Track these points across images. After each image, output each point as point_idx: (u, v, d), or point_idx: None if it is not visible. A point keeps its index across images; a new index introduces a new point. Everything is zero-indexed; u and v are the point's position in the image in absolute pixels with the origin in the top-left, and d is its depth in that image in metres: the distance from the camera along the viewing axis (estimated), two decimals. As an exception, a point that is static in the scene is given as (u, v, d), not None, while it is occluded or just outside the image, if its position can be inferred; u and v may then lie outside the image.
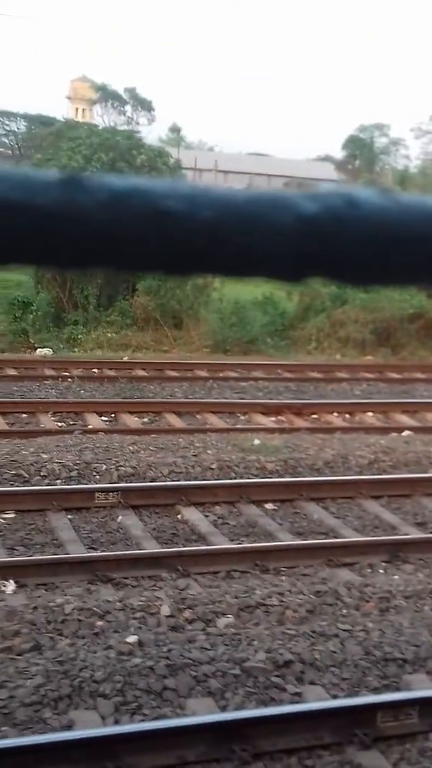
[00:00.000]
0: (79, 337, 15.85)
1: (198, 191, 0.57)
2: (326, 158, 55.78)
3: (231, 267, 0.58)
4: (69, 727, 4.11)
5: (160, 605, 5.38)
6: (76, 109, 60.14)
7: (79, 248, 0.55)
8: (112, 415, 10.91)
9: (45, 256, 0.55)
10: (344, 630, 5.05)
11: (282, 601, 5.50)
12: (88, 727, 4.09)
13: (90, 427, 10.12)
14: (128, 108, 55.01)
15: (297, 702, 4.38)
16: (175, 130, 54.52)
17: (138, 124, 50.97)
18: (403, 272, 0.62)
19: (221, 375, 13.69)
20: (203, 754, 3.94)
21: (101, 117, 53.81)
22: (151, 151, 18.72)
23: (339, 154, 55.77)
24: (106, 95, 54.01)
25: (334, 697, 4.46)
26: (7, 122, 60.27)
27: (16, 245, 0.54)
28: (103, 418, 10.75)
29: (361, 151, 53.00)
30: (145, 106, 54.42)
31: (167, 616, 5.26)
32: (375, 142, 53.86)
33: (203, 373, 13.69)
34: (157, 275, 0.63)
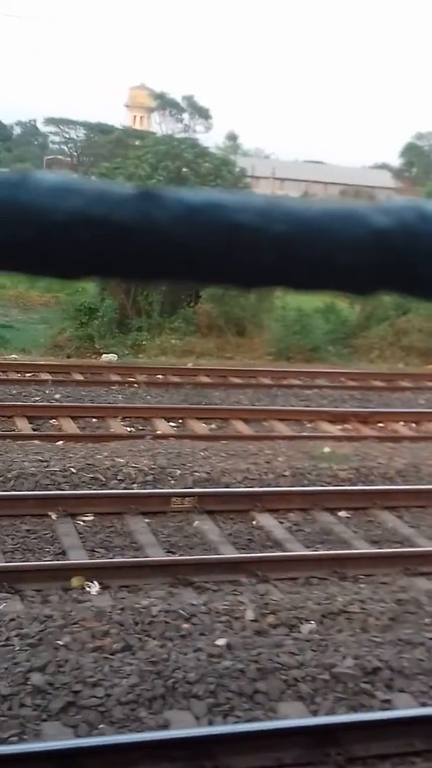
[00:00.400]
0: (143, 343, 16.05)
1: (271, 204, 0.57)
2: (383, 166, 55.53)
3: (303, 281, 0.58)
4: (165, 726, 4.21)
5: (244, 610, 5.46)
6: (134, 116, 60.88)
7: (155, 262, 0.55)
8: (180, 421, 11.03)
9: (122, 270, 0.56)
10: (430, 638, 5.08)
11: (364, 609, 5.55)
12: (184, 726, 4.19)
13: (159, 432, 10.26)
14: (185, 116, 55.52)
15: (387, 709, 4.43)
16: (232, 137, 54.83)
17: (195, 131, 51.38)
18: None
19: (285, 382, 13.74)
20: (298, 757, 4.01)
21: (159, 125, 54.37)
22: (216, 160, 18.88)
23: (396, 161, 55.50)
24: (165, 103, 54.57)
25: (423, 704, 4.50)
26: (67, 130, 61.28)
27: (94, 259, 0.55)
28: (171, 423, 10.88)
29: (419, 159, 52.70)
30: (203, 113, 54.83)
31: (251, 621, 5.34)
32: (433, 150, 53.51)
33: (267, 381, 13.76)
34: (231, 289, 0.60)
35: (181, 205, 0.55)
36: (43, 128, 64.02)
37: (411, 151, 53.58)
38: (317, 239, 0.56)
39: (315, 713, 4.39)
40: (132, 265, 0.55)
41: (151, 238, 0.54)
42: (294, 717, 4.33)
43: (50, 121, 61.04)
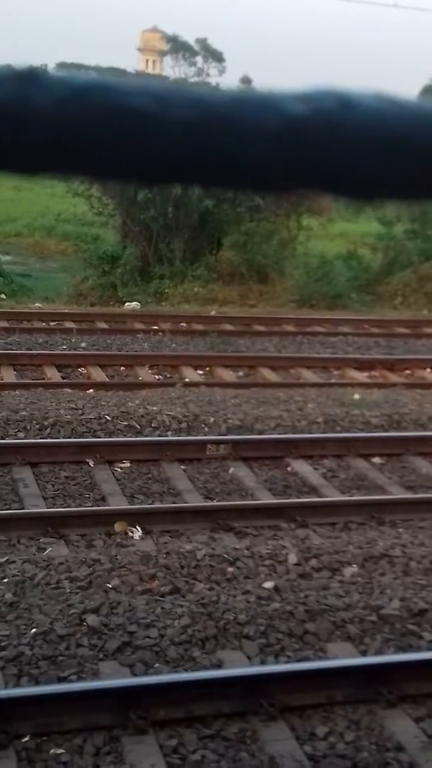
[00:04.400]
0: (166, 291, 16.02)
1: (171, 89, 0.51)
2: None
3: (211, 176, 0.53)
4: (218, 665, 4.32)
5: (287, 554, 5.54)
6: (147, 60, 59.92)
7: (34, 150, 0.50)
8: (207, 369, 11.07)
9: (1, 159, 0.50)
10: (474, 581, 5.16)
11: (404, 552, 5.62)
12: (238, 666, 4.29)
13: (188, 380, 10.30)
14: (199, 59, 54.56)
15: (435, 649, 4.52)
16: (246, 81, 53.87)
17: (209, 75, 50.53)
18: (401, 184, 0.55)
19: (309, 330, 13.73)
20: (351, 696, 4.11)
21: (172, 68, 53.51)
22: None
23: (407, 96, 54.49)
24: (177, 46, 53.55)
25: (470, 645, 4.58)
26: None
27: None
28: (199, 371, 10.92)
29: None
30: (216, 57, 53.82)
31: (295, 564, 5.43)
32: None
33: (291, 328, 13.75)
34: (125, 183, 0.56)
35: (65, 87, 0.49)
36: (54, 73, 63.06)
37: (429, 94, 52.70)
38: (224, 128, 0.50)
39: (364, 653, 4.49)
40: (7, 154, 0.49)
41: (29, 124, 0.48)
42: (343, 657, 4.43)
43: (62, 65, 60.15)
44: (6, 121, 0.48)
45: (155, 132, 0.50)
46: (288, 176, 0.53)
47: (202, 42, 53.30)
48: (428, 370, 11.50)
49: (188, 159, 0.51)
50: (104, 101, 0.49)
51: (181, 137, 0.50)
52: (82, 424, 7.95)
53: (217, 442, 7.59)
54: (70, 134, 0.49)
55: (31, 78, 0.49)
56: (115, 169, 0.52)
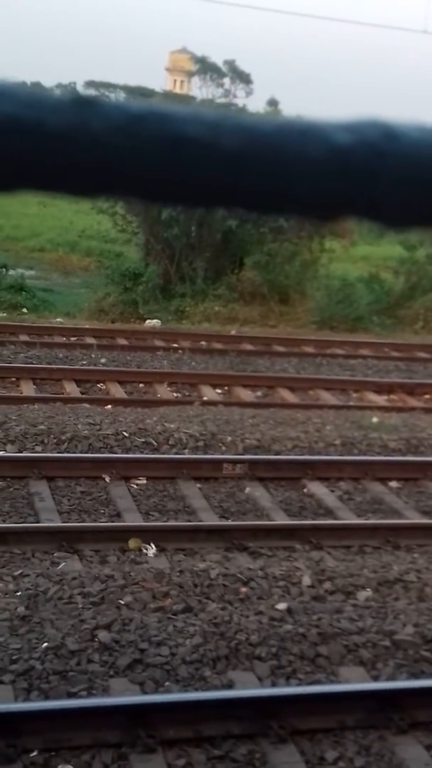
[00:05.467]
0: (187, 309, 16.07)
1: (221, 117, 0.52)
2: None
3: (257, 202, 0.53)
4: (229, 686, 4.29)
5: (301, 575, 5.52)
6: (174, 80, 60.34)
7: (90, 174, 0.51)
8: (226, 388, 11.08)
9: (53, 181, 0.51)
10: None
11: (420, 578, 5.59)
12: (249, 687, 4.26)
13: (206, 398, 10.31)
14: (226, 80, 54.90)
15: (448, 676, 4.47)
16: (272, 103, 54.13)
17: (236, 97, 50.85)
18: None
19: (329, 352, 13.72)
20: (361, 721, 4.07)
21: (199, 89, 53.90)
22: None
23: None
24: (205, 67, 53.96)
25: None
26: (107, 93, 61.02)
27: (22, 169, 0.50)
28: (218, 390, 10.93)
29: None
30: (243, 78, 54.16)
31: (308, 587, 5.40)
32: None
33: (311, 350, 13.74)
34: (175, 207, 0.56)
35: (121, 114, 0.50)
36: (83, 91, 63.82)
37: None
38: (271, 156, 0.51)
39: (376, 678, 4.45)
40: (64, 178, 0.51)
41: (86, 149, 0.50)
42: (355, 681, 4.40)
43: (90, 84, 60.65)
44: (64, 145, 0.50)
45: (206, 159, 0.51)
46: (332, 205, 0.54)
47: (230, 63, 53.71)
48: (448, 395, 11.44)
49: (236, 185, 0.52)
50: (158, 128, 0.51)
51: (231, 164, 0.51)
52: (100, 440, 7.97)
53: (234, 462, 7.59)
54: (125, 159, 0.50)
55: (89, 104, 0.51)
56: (162, 193, 0.53)
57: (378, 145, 0.53)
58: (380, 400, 10.98)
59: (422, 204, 0.54)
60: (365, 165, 0.53)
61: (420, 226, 0.57)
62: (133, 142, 0.50)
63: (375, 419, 9.34)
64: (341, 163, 0.52)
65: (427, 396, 11.37)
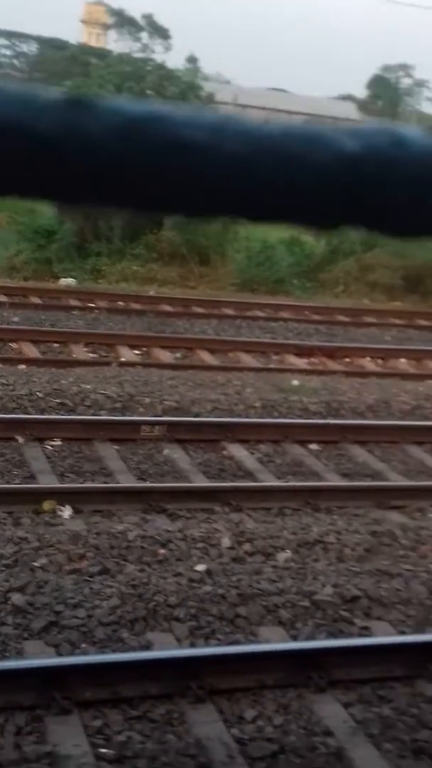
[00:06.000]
0: (103, 268, 15.80)
1: (224, 121, 0.50)
2: (348, 97, 54.74)
3: (259, 210, 0.52)
4: (147, 647, 4.21)
5: (220, 537, 5.46)
6: (90, 33, 58.91)
7: (85, 181, 0.48)
8: (144, 349, 10.93)
9: (45, 188, 0.48)
10: (406, 570, 5.15)
11: (339, 539, 5.59)
12: (168, 648, 4.19)
13: (124, 359, 10.15)
14: (144, 35, 53.84)
15: (366, 635, 4.49)
16: (192, 60, 53.44)
17: (153, 52, 49.98)
18: None
19: (249, 314, 13.68)
20: (281, 680, 4.04)
21: (115, 43, 52.76)
22: (181, 84, 18.44)
23: (361, 93, 54.80)
24: (122, 21, 52.92)
25: (401, 632, 4.57)
26: (19, 44, 58.94)
27: (12, 174, 0.47)
28: (136, 351, 10.78)
29: (385, 92, 52.08)
30: (162, 33, 53.24)
31: (228, 548, 5.35)
32: (399, 83, 52.90)
33: (231, 312, 13.68)
34: (174, 215, 0.52)
35: (118, 116, 0.48)
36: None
37: (377, 83, 52.89)
38: (277, 162, 0.50)
39: (295, 638, 4.43)
40: (57, 183, 0.48)
41: (80, 153, 0.47)
42: (274, 641, 4.37)
43: (0, 33, 58.85)
44: (56, 149, 0.46)
45: (207, 165, 0.49)
46: (339, 214, 0.52)
47: (148, 18, 52.84)
48: (368, 358, 11.54)
49: (239, 193, 0.50)
50: (158, 133, 0.48)
51: (233, 171, 0.49)
52: (13, 400, 7.76)
53: (152, 423, 7.47)
54: (123, 164, 0.48)
55: (83, 105, 0.48)
56: (161, 201, 0.50)
57: (387, 153, 0.51)
58: (301, 363, 10.99)
59: (430, 212, 0.53)
60: (373, 173, 0.51)
61: (427, 234, 0.55)
62: (131, 147, 0.47)
63: (295, 382, 9.34)
64: (349, 170, 0.51)
65: (347, 359, 11.44)
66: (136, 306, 13.27)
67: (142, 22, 52.06)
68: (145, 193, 0.49)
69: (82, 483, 6.45)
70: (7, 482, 6.31)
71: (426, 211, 0.53)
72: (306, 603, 4.67)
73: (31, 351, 10.19)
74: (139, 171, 0.48)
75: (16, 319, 11.76)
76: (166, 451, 7.21)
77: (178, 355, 10.91)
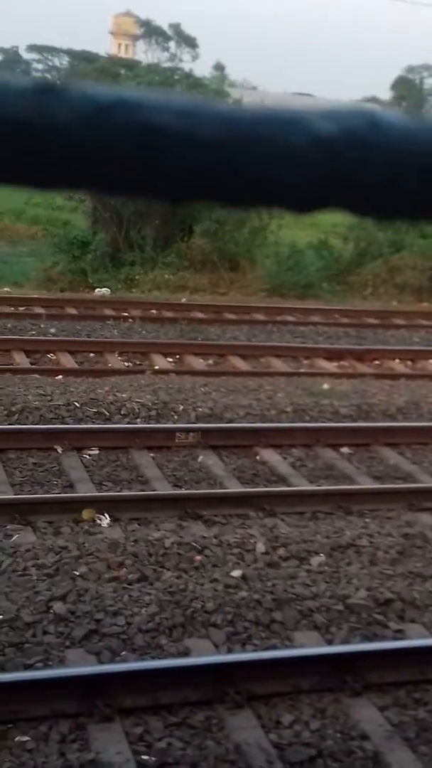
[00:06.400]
0: (137, 277, 15.96)
1: (197, 106, 0.49)
2: (372, 99, 54.66)
3: (236, 195, 0.51)
4: (185, 653, 4.32)
5: (255, 542, 5.55)
6: (119, 44, 59.43)
7: (55, 166, 0.48)
8: (177, 357, 11.05)
9: (15, 174, 0.49)
10: (440, 571, 5.21)
11: (372, 542, 5.66)
12: (205, 654, 4.29)
13: (157, 367, 10.28)
14: (172, 44, 54.13)
15: (400, 638, 4.55)
16: (219, 68, 53.63)
17: (181, 61, 50.19)
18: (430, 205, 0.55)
19: (279, 319, 13.75)
20: (316, 684, 4.13)
21: (144, 53, 53.11)
22: (209, 91, 18.56)
23: (386, 95, 54.66)
24: (150, 31, 53.22)
25: (435, 634, 4.63)
26: (50, 57, 59.72)
27: None
28: (169, 359, 10.90)
29: (409, 93, 51.90)
30: (189, 42, 53.52)
31: (263, 553, 5.44)
32: (423, 83, 52.66)
33: (261, 317, 13.76)
34: (148, 200, 0.53)
35: (89, 103, 0.48)
36: (25, 55, 62.51)
37: (401, 85, 52.69)
38: (252, 146, 0.49)
39: (330, 642, 4.51)
40: (28, 170, 0.48)
41: (50, 139, 0.47)
42: (310, 645, 4.45)
43: (33, 48, 59.61)
44: (25, 135, 0.47)
45: (180, 150, 0.49)
46: (316, 197, 0.52)
47: (176, 27, 53.07)
48: (397, 360, 11.56)
49: (214, 178, 0.50)
50: (129, 118, 0.48)
51: (207, 156, 0.49)
52: (51, 411, 7.91)
53: (186, 430, 7.58)
54: (93, 151, 0.48)
55: (50, 91, 0.48)
56: (137, 187, 0.50)
57: (363, 135, 0.51)
58: (331, 366, 11.05)
59: (407, 194, 0.53)
60: (350, 155, 0.51)
61: (406, 217, 0.56)
62: (101, 132, 0.47)
63: (326, 386, 9.40)
64: (325, 153, 0.51)
65: (376, 362, 11.47)
66: (169, 314, 13.40)
67: (169, 31, 52.32)
68: (116, 178, 0.49)
69: (119, 491, 6.57)
70: (47, 492, 6.45)
71: (402, 193, 0.52)
72: (340, 607, 4.75)
73: (68, 361, 10.36)
74: (109, 156, 0.48)
75: (53, 330, 11.93)
76: (200, 458, 7.31)
77: (210, 361, 11.02)
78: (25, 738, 3.67)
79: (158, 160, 0.49)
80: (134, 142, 0.48)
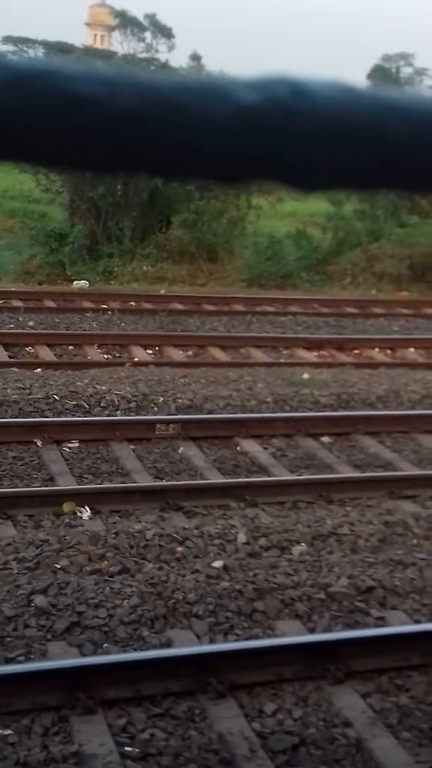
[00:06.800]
0: (115, 269, 15.91)
1: (118, 76, 0.49)
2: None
3: (159, 165, 0.51)
4: (168, 644, 4.31)
5: (236, 533, 5.55)
6: (95, 35, 58.95)
7: None
8: (157, 348, 11.03)
9: None
10: (420, 559, 5.23)
11: (353, 531, 5.67)
12: (187, 645, 4.29)
13: (137, 359, 10.25)
14: (147, 35, 53.71)
15: (382, 626, 4.57)
16: (195, 58, 53.33)
17: (158, 51, 49.87)
18: (355, 175, 0.54)
19: (259, 309, 13.76)
20: (299, 672, 4.14)
21: (120, 44, 52.71)
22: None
23: (362, 84, 54.57)
24: (126, 21, 52.77)
25: (416, 621, 4.65)
26: (26, 49, 59.21)
27: None
28: (149, 351, 10.88)
29: (386, 82, 51.97)
30: (165, 33, 53.10)
31: (244, 543, 5.44)
32: (400, 72, 52.68)
33: (241, 308, 13.76)
34: (68, 172, 0.53)
35: (7, 71, 0.47)
36: (0, 47, 62.07)
37: (378, 74, 52.67)
38: (172, 116, 0.48)
39: (312, 631, 4.52)
40: None
41: None
42: (292, 634, 4.46)
43: (8, 39, 58.89)
44: None
45: (100, 120, 0.48)
46: (237, 168, 0.51)
47: (151, 17, 52.56)
48: (377, 349, 11.60)
49: (135, 148, 0.49)
50: (47, 87, 0.47)
51: (128, 125, 0.48)
52: (30, 404, 7.87)
53: (167, 422, 7.57)
54: (11, 120, 0.47)
55: None
56: (58, 157, 0.49)
57: (286, 104, 0.50)
58: (311, 356, 11.06)
59: (333, 164, 0.51)
60: (273, 125, 0.49)
61: (331, 187, 0.54)
62: (20, 101, 0.46)
63: (306, 375, 9.41)
64: (247, 123, 0.49)
65: (356, 351, 11.50)
66: (148, 305, 13.38)
67: (145, 22, 51.91)
68: (35, 148, 0.48)
69: (100, 484, 6.55)
70: (27, 485, 6.43)
71: (326, 163, 0.51)
72: (322, 595, 4.76)
73: (46, 354, 10.31)
74: (28, 125, 0.47)
75: (31, 323, 11.88)
76: (181, 449, 7.30)
77: (190, 353, 11.00)
78: (8, 731, 3.66)
79: (77, 130, 0.48)
80: (53, 111, 0.47)
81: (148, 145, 0.49)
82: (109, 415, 7.87)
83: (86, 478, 6.68)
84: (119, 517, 5.95)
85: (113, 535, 5.39)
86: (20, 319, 12.04)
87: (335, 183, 0.54)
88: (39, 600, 4.53)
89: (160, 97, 0.49)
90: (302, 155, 0.51)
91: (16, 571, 4.87)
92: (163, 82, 0.49)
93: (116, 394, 8.22)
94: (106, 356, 10.51)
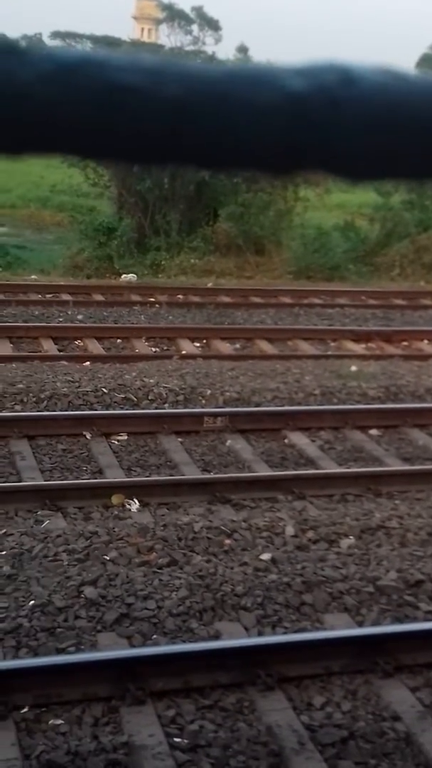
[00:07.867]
0: (163, 263, 15.96)
1: (163, 64, 0.48)
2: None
3: (203, 156, 0.49)
4: (216, 637, 4.33)
5: (284, 526, 5.55)
6: (142, 29, 59.09)
7: (16, 129, 0.46)
8: (204, 341, 11.05)
9: None
10: (471, 552, 5.18)
11: (401, 524, 5.64)
12: (236, 637, 4.30)
13: (185, 352, 10.29)
14: (195, 27, 53.69)
15: (431, 620, 4.54)
16: (242, 50, 53.17)
17: (204, 44, 49.84)
18: (404, 163, 0.52)
19: (306, 302, 13.70)
20: (347, 666, 4.13)
21: (167, 37, 52.78)
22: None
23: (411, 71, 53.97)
24: (173, 14, 52.81)
25: (466, 615, 4.61)
26: (73, 44, 59.60)
27: None
28: (196, 344, 10.90)
29: (435, 70, 51.28)
30: (212, 25, 53.03)
31: (292, 536, 5.44)
32: (449, 61, 51.99)
33: (288, 300, 13.71)
34: (114, 162, 0.51)
35: (51, 63, 0.46)
36: (49, 42, 62.55)
37: (426, 63, 52.06)
38: (218, 105, 0.47)
39: (361, 624, 4.51)
40: None
41: (11, 101, 0.45)
42: (340, 628, 4.45)
43: (56, 34, 59.31)
44: None
45: (146, 110, 0.47)
46: (285, 157, 0.50)
47: (198, 10, 52.51)
48: (425, 341, 11.49)
49: (181, 138, 0.48)
50: (92, 77, 0.46)
51: (174, 115, 0.47)
52: (79, 397, 7.95)
53: (214, 415, 7.59)
54: (56, 112, 0.46)
55: (13, 52, 0.46)
56: (103, 149, 0.49)
57: (334, 91, 0.48)
58: (358, 348, 11.00)
59: (382, 153, 0.50)
60: (321, 112, 0.48)
61: (379, 177, 0.53)
62: (65, 92, 0.46)
63: (354, 368, 9.36)
64: (295, 111, 0.48)
65: (405, 343, 11.40)
66: (195, 299, 13.39)
67: (192, 14, 51.86)
68: (79, 140, 0.47)
69: (148, 476, 6.60)
70: (77, 478, 6.49)
71: (375, 152, 0.50)
72: (370, 589, 4.74)
73: (95, 347, 10.39)
74: (72, 117, 0.46)
75: (80, 316, 11.97)
76: (228, 442, 7.32)
77: (237, 345, 11.00)
78: (59, 721, 3.71)
79: (123, 120, 0.47)
80: (97, 101, 0.46)
81: (192, 134, 0.48)
82: (156, 408, 7.91)
83: (135, 471, 6.72)
84: (167, 509, 5.98)
85: (161, 528, 5.43)
86: (69, 312, 12.14)
87: (383, 172, 0.53)
88: (89, 591, 4.58)
89: (206, 86, 0.48)
90: (350, 144, 0.49)
91: (66, 563, 4.93)
92: (209, 71, 0.49)
93: (164, 387, 8.26)
94: (153, 349, 10.56)
